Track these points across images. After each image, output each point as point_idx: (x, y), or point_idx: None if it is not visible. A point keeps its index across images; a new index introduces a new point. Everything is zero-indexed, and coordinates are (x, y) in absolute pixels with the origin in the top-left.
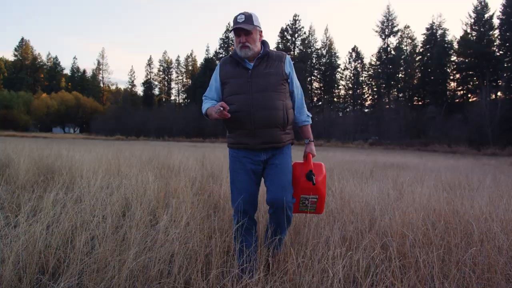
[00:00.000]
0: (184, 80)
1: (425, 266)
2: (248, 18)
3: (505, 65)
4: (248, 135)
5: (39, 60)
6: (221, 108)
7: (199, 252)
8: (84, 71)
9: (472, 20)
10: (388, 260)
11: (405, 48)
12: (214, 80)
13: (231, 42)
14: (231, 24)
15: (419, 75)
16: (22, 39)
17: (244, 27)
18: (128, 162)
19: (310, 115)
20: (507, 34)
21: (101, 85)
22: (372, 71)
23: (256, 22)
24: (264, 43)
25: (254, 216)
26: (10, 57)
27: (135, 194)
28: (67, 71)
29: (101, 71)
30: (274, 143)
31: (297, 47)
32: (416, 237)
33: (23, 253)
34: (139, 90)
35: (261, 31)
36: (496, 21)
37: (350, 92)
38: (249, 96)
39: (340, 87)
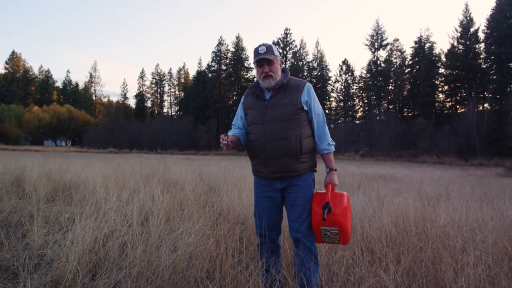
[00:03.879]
0: (177, 92)
1: (388, 258)
2: (269, 48)
3: (491, 77)
4: (263, 164)
5: (30, 73)
6: (224, 142)
7: (211, 251)
8: (77, 84)
9: (459, 34)
10: (362, 256)
11: (394, 60)
12: (240, 110)
13: (223, 55)
14: (225, 39)
15: (409, 87)
16: (13, 51)
17: (267, 57)
18: (133, 177)
19: (333, 143)
20: (492, 47)
21: (93, 97)
22: (362, 83)
23: (276, 52)
24: (284, 72)
25: (278, 240)
26: (1, 70)
27: (149, 206)
28: (59, 83)
29: (93, 84)
30: (287, 172)
31: (289, 60)
32: (386, 239)
33: (75, 255)
34: (132, 102)
35: (281, 60)
36: (481, 35)
37: (341, 104)
38: (263, 127)
39: (331, 99)
